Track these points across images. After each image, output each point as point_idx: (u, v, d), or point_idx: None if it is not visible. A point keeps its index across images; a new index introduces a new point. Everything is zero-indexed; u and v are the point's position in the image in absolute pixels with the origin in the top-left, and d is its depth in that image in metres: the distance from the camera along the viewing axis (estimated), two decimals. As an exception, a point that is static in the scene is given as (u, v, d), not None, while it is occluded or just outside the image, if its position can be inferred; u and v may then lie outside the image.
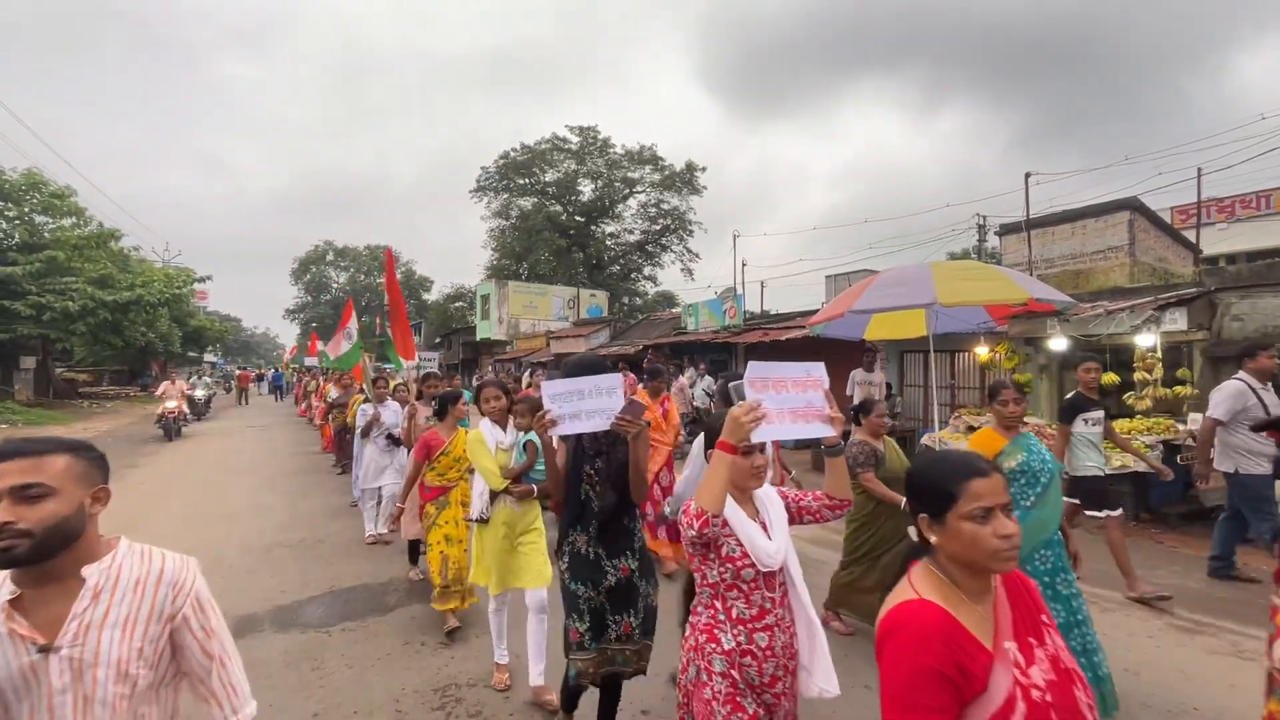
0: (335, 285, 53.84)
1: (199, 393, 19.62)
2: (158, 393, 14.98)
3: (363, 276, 53.81)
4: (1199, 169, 12.11)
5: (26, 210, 20.02)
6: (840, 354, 9.68)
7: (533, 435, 3.25)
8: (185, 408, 15.00)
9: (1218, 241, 17.20)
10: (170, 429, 13.92)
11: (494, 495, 3.26)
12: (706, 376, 11.75)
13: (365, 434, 5.95)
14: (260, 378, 37.26)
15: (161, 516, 7.16)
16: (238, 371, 33.25)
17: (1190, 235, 12.76)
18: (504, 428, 3.37)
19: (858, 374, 8.77)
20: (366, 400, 6.33)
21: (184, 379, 21.28)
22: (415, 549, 4.96)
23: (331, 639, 3.97)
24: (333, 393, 9.64)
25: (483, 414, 3.43)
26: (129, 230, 27.21)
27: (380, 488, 5.93)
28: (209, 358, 44.59)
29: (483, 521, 3.31)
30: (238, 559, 5.59)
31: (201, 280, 25.67)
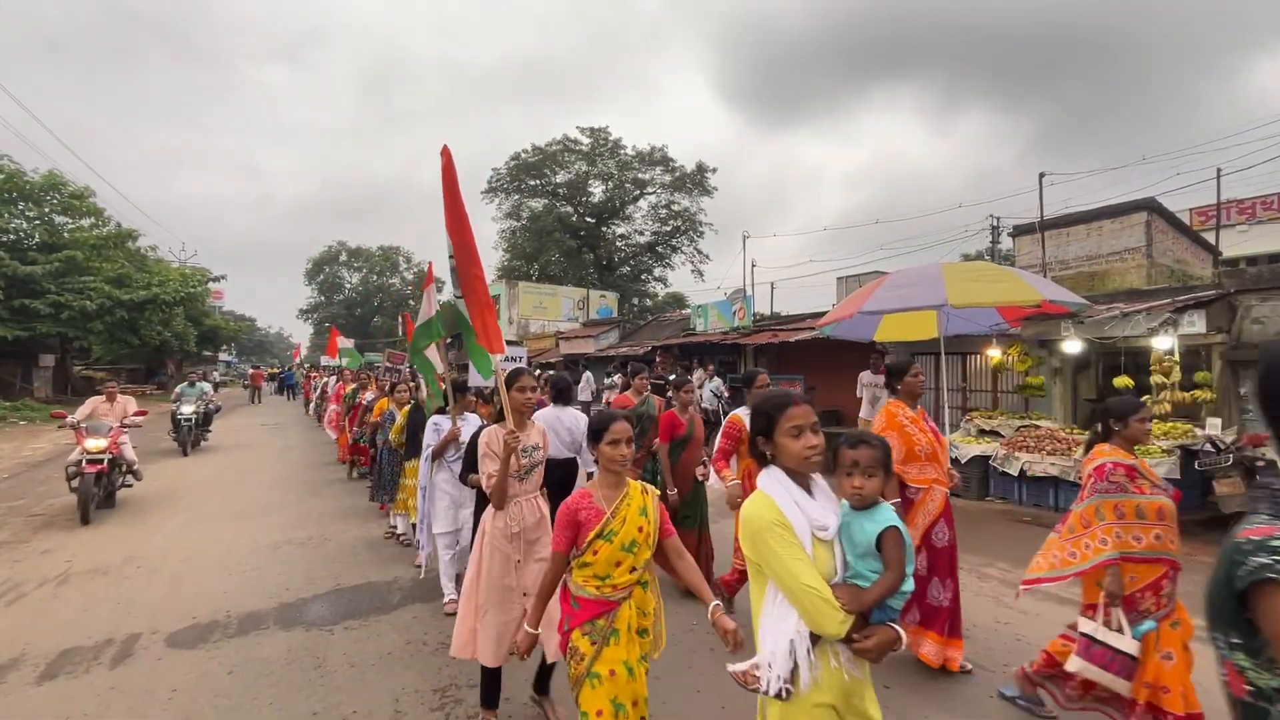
0: (348, 285, 54.44)
1: (185, 409, 11.75)
2: (70, 420, 7.28)
3: (375, 277, 54.33)
4: (1218, 169, 11.88)
5: (47, 211, 20.42)
6: (850, 356, 9.59)
7: (887, 516, 1.67)
8: (127, 451, 7.53)
9: (1238, 243, 16.93)
10: (88, 496, 6.66)
11: (814, 640, 1.59)
12: (715, 378, 11.69)
13: (437, 456, 4.44)
14: (273, 377, 37.75)
15: (172, 515, 7.23)
16: (251, 370, 33.77)
17: (1210, 237, 12.55)
18: (809, 490, 1.69)
19: (865, 376, 8.70)
20: (441, 410, 4.63)
21: (183, 388, 12.56)
22: (547, 672, 2.99)
23: (334, 637, 3.98)
24: (370, 394, 9.35)
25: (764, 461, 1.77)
26: (147, 231, 27.66)
27: (457, 531, 4.39)
28: (223, 356, 45.15)
29: (783, 698, 1.58)
30: (246, 556, 5.63)
31: (216, 280, 26.05)
